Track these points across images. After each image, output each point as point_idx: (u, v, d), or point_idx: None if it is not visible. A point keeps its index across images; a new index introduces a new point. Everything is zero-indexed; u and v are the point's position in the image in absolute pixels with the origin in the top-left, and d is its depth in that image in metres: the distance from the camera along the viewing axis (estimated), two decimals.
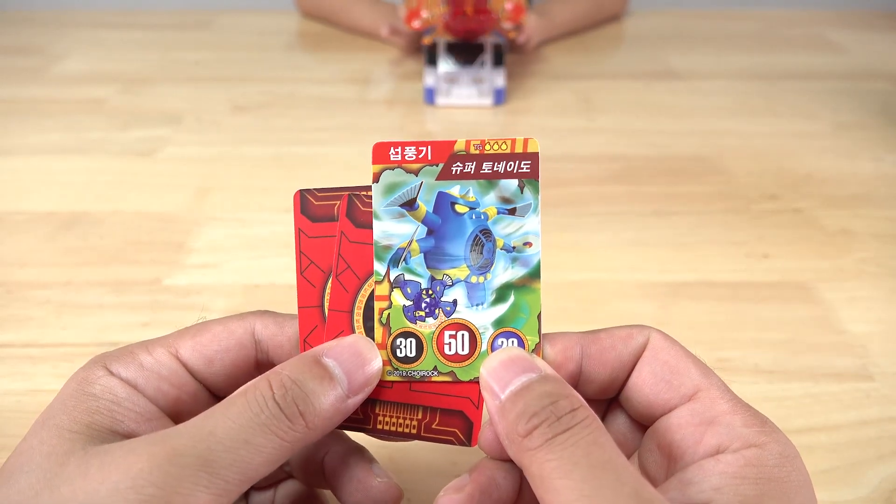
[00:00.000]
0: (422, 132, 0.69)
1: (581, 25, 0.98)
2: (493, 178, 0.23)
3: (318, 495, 0.27)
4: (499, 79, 0.73)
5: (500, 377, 0.21)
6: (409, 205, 0.23)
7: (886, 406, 0.37)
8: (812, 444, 0.35)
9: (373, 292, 0.24)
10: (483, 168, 0.23)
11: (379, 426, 0.24)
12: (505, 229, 0.23)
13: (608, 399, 0.25)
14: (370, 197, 0.24)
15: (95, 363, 0.23)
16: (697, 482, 0.20)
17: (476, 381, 0.23)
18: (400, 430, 0.24)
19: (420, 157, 0.23)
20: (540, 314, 0.23)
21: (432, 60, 0.74)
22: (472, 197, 0.23)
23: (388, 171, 0.23)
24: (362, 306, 0.24)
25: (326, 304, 0.24)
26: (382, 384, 0.23)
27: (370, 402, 0.23)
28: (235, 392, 0.21)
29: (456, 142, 0.23)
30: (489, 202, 0.23)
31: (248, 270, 0.47)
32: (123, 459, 0.19)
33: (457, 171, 0.23)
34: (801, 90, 0.78)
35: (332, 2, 0.99)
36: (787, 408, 0.37)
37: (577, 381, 0.24)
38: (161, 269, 0.47)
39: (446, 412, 0.24)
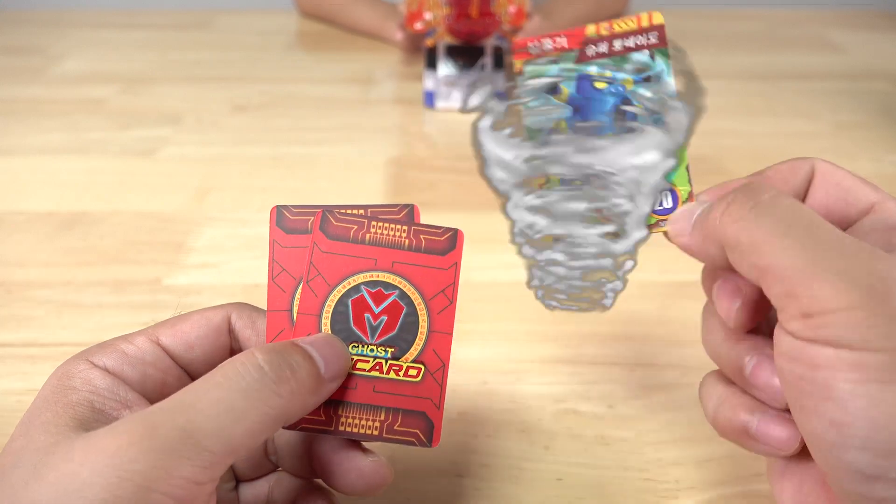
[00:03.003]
0: (423, 132, 0.69)
1: (583, 25, 0.98)
2: (624, 54, 0.24)
3: (320, 488, 0.27)
4: (499, 82, 0.72)
5: (685, 214, 0.24)
6: (553, 90, 0.25)
7: None
8: None
9: (342, 298, 0.25)
10: (614, 46, 0.25)
11: (341, 427, 0.24)
12: (643, 96, 0.24)
13: None
14: (343, 213, 0.25)
15: (77, 357, 0.23)
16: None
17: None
18: (362, 431, 0.24)
19: (557, 46, 0.25)
20: (688, 165, 0.26)
21: (432, 64, 0.74)
22: (608, 73, 0.24)
23: (529, 64, 0.25)
24: (330, 311, 0.25)
25: (296, 308, 0.25)
26: (346, 385, 0.24)
27: (333, 404, 0.24)
28: (216, 368, 0.21)
29: (587, 27, 0.25)
30: (625, 75, 0.24)
31: (248, 270, 0.47)
32: (104, 440, 0.19)
33: (591, 53, 0.25)
34: (801, 90, 0.78)
35: (333, 2, 0.99)
36: None
37: None
38: (161, 269, 0.47)
39: (408, 413, 0.24)
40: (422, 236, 0.25)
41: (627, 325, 0.43)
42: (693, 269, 0.48)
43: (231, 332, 0.25)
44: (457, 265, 0.25)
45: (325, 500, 0.27)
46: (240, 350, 0.25)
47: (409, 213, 0.26)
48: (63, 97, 0.76)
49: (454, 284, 0.25)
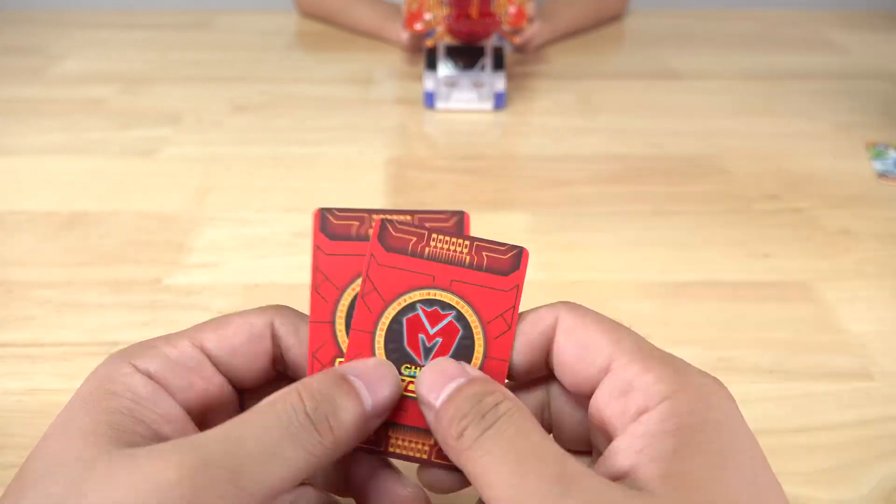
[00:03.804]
0: (422, 132, 0.69)
1: (583, 26, 0.98)
2: None
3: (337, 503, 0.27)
4: (499, 83, 0.73)
5: (431, 389, 0.22)
6: None
7: (886, 405, 0.37)
8: (812, 444, 0.35)
9: (396, 315, 0.24)
10: None
11: (391, 449, 0.24)
12: None
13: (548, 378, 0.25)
14: (402, 222, 0.24)
15: (120, 359, 0.22)
16: (624, 449, 0.20)
17: None
18: (412, 454, 0.24)
19: None
20: None
21: (432, 64, 0.73)
22: None
23: None
24: (384, 329, 0.24)
25: (337, 321, 0.24)
26: (398, 407, 0.24)
27: (384, 425, 0.24)
28: (263, 402, 0.21)
29: None
30: None
31: (248, 270, 0.47)
32: (151, 466, 0.18)
33: None
34: (801, 90, 0.78)
35: (333, 3, 0.99)
36: (787, 407, 0.37)
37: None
38: (161, 269, 0.47)
39: None
40: (484, 253, 0.24)
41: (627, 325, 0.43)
42: (693, 269, 0.48)
43: (274, 337, 0.24)
44: (518, 287, 0.24)
45: None
46: (282, 357, 0.25)
47: (458, 222, 0.25)
48: (63, 97, 0.76)
49: (514, 308, 0.24)
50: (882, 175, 0.60)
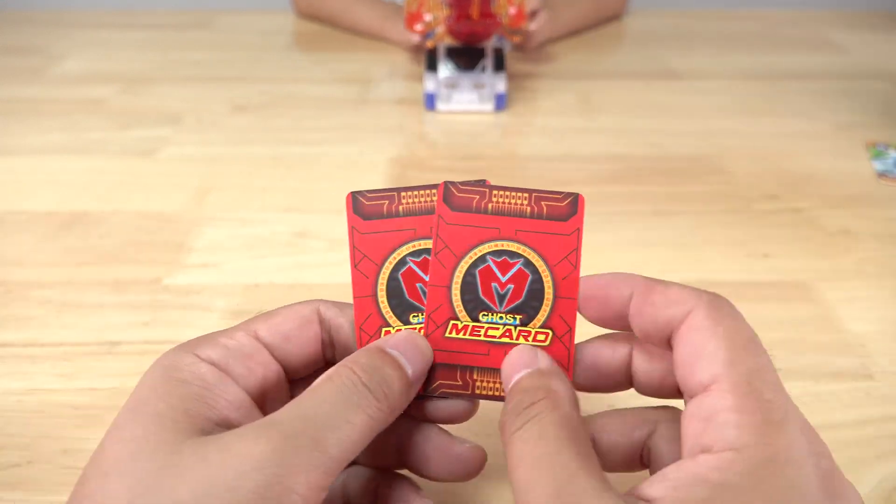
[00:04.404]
0: (422, 132, 0.69)
1: (583, 25, 0.98)
2: None
3: (399, 476, 0.28)
4: (500, 84, 0.72)
5: (507, 371, 0.24)
6: None
7: (886, 405, 0.37)
8: None
9: (469, 268, 0.26)
10: None
11: (478, 391, 0.25)
12: None
13: None
14: (465, 182, 0.26)
15: (182, 350, 0.23)
16: (669, 479, 0.19)
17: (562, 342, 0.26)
18: (496, 393, 0.25)
19: None
20: None
21: (432, 65, 0.73)
22: None
23: None
24: (459, 282, 0.26)
25: (379, 294, 0.26)
26: (480, 352, 0.25)
27: (468, 370, 0.25)
28: (319, 380, 0.22)
29: None
30: None
31: (248, 270, 0.47)
32: (240, 444, 0.20)
33: None
34: (801, 90, 0.78)
35: (332, 4, 0.99)
36: None
37: (626, 322, 0.25)
38: (161, 269, 0.47)
39: None
40: (543, 203, 0.26)
41: None
42: (693, 269, 0.48)
43: (322, 322, 0.26)
44: (579, 230, 0.26)
45: (410, 486, 0.27)
46: (328, 341, 0.26)
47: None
48: (63, 97, 0.76)
49: (577, 250, 0.26)
50: (882, 175, 0.60)
